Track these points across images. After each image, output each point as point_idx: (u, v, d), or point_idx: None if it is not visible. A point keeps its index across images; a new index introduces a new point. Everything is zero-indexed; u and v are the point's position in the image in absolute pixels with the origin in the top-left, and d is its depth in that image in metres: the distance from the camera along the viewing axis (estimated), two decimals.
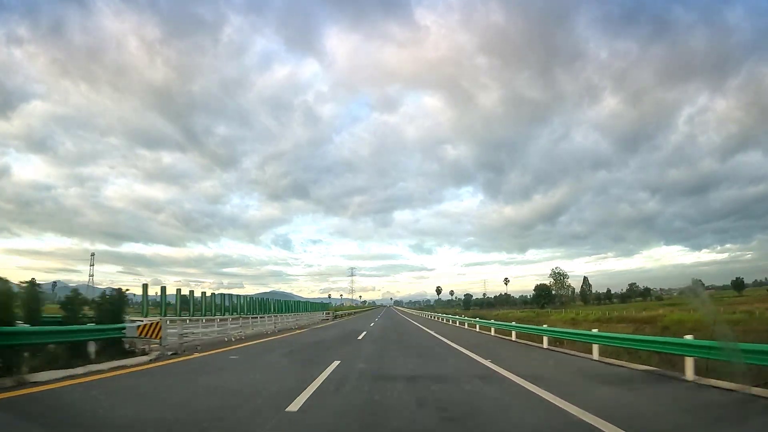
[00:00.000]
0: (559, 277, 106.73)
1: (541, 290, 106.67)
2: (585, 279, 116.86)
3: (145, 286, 26.11)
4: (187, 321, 15.67)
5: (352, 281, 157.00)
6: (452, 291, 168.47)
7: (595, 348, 9.81)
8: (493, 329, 19.45)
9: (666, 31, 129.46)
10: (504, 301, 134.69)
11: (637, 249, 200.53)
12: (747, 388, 5.53)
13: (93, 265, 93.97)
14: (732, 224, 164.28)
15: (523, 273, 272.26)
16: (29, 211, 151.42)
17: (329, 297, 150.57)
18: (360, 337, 17.42)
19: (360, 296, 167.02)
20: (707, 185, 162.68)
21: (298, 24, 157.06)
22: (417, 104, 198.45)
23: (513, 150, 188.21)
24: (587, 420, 4.36)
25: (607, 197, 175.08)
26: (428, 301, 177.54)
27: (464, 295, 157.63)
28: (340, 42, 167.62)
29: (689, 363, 6.87)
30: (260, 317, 22.80)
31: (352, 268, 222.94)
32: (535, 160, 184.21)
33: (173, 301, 29.42)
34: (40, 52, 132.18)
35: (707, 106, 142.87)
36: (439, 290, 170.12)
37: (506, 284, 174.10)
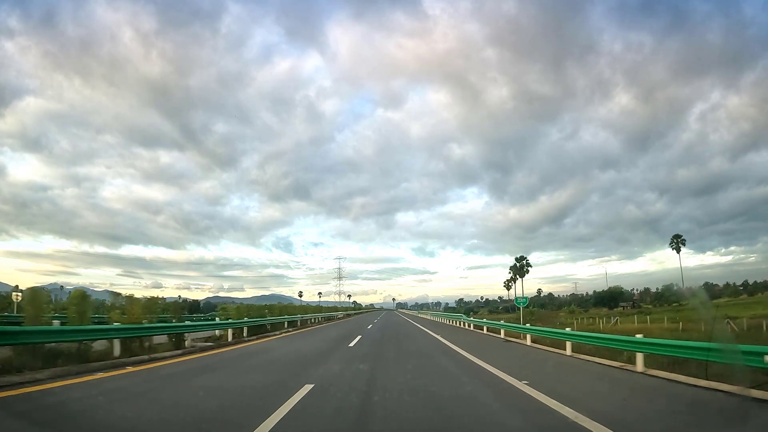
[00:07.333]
0: None
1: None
2: None
3: None
4: None
5: (339, 281, 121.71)
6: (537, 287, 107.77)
7: None
8: None
9: (682, 23, 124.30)
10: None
11: (641, 251, 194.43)
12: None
13: None
14: (738, 226, 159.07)
15: (524, 276, 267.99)
16: (26, 212, 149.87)
17: (299, 296, 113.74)
18: None
19: (349, 296, 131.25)
20: (716, 185, 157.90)
21: (300, 13, 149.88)
22: (423, 100, 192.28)
23: (520, 149, 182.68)
24: None
25: (614, 198, 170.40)
26: (439, 303, 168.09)
27: None
28: (343, 32, 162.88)
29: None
30: None
31: (339, 259, 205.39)
32: (543, 159, 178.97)
33: None
34: (32, 44, 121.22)
35: (720, 102, 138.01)
36: (519, 271, 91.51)
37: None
